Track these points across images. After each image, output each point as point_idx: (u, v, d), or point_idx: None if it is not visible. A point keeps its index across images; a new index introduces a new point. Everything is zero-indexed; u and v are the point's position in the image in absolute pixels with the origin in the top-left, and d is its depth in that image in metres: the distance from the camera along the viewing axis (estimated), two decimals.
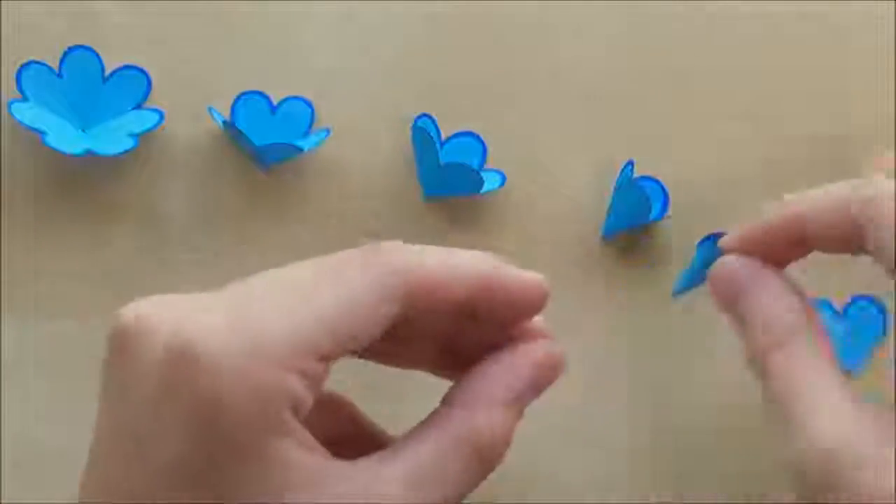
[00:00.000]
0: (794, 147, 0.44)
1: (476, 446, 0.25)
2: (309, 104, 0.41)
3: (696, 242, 0.34)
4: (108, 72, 0.39)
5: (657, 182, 0.42)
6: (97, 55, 0.39)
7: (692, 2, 0.44)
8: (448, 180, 0.40)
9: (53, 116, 0.38)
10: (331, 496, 0.23)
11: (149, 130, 0.39)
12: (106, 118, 0.39)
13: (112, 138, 0.38)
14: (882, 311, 0.42)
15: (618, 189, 0.42)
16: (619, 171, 0.42)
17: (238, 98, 0.40)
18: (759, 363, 0.28)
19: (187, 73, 0.40)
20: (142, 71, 0.39)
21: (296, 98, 0.41)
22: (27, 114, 0.38)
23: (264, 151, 0.39)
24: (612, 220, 0.42)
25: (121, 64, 0.39)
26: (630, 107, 0.43)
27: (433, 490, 0.24)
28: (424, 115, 0.41)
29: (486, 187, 0.40)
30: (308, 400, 0.23)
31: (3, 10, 0.39)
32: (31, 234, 0.39)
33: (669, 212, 0.42)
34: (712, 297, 0.30)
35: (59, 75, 0.39)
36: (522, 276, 0.27)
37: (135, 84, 0.39)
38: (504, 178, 0.41)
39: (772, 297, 0.28)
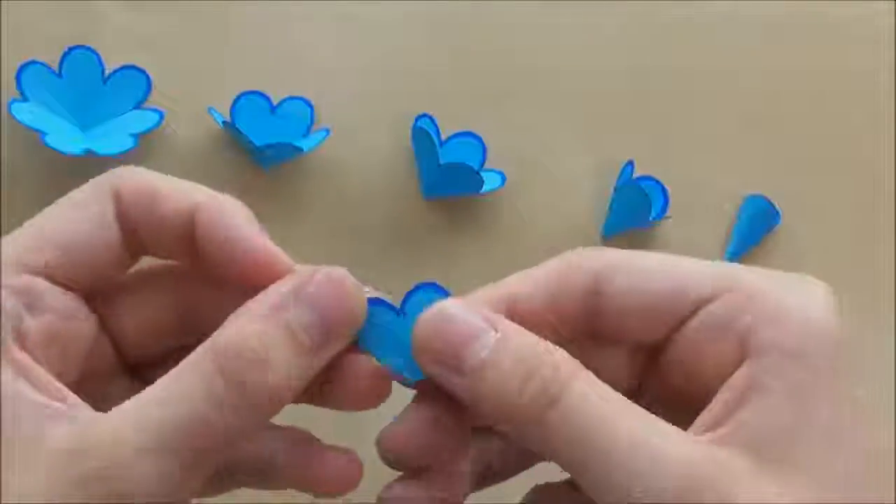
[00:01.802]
0: (794, 147, 0.44)
1: (216, 356, 0.22)
2: (309, 104, 0.41)
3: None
4: (108, 72, 0.39)
5: (657, 182, 0.42)
6: (97, 55, 0.39)
7: (692, 2, 0.44)
8: (448, 180, 0.40)
9: (53, 116, 0.38)
10: (49, 439, 0.21)
11: (149, 130, 0.39)
12: (106, 118, 0.39)
13: (112, 138, 0.38)
14: None
15: (618, 189, 0.42)
16: (619, 171, 0.42)
17: (238, 98, 0.40)
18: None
19: (187, 73, 0.40)
20: (142, 71, 0.39)
21: (296, 98, 0.41)
22: (27, 114, 0.37)
23: (264, 151, 0.39)
24: (612, 220, 0.42)
25: (121, 64, 0.39)
26: (630, 107, 0.43)
27: (170, 410, 0.22)
28: (424, 115, 0.41)
29: (486, 187, 0.40)
30: (23, 318, 0.23)
31: (3, 10, 0.39)
32: None
33: (669, 212, 0.42)
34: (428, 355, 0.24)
35: (59, 75, 0.39)
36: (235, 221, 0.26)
37: (135, 84, 0.39)
38: (504, 178, 0.41)
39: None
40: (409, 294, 0.26)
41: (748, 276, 0.25)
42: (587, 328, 0.26)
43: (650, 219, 0.41)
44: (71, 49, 0.39)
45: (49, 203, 0.39)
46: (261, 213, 0.41)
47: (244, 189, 0.40)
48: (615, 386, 0.25)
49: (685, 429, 0.23)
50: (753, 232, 0.43)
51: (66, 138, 0.38)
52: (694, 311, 0.25)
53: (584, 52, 0.43)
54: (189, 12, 0.41)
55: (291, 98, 0.41)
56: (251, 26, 0.41)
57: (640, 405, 0.25)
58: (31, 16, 0.40)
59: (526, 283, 0.26)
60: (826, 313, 0.24)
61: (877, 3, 0.45)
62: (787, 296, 0.24)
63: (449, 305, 0.24)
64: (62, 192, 0.40)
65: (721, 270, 0.25)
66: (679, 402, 0.25)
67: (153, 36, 0.40)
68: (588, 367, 0.25)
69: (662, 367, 0.26)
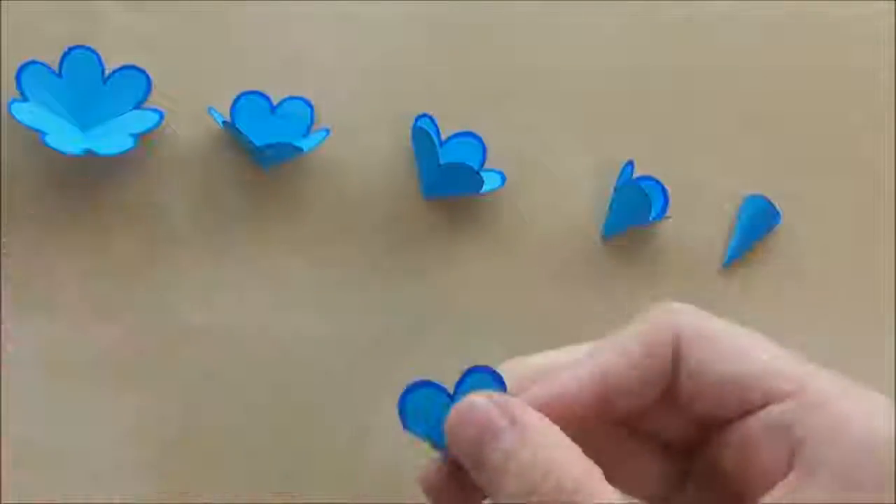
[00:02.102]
0: (794, 147, 0.44)
1: None
2: (309, 104, 0.41)
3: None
4: (108, 72, 0.39)
5: (657, 182, 0.42)
6: (97, 55, 0.39)
7: (692, 2, 0.44)
8: (448, 180, 0.40)
9: (53, 116, 0.38)
10: None
11: (149, 130, 0.39)
12: (106, 118, 0.39)
13: (112, 138, 0.38)
14: None
15: (618, 189, 0.42)
16: (619, 171, 0.42)
17: (238, 98, 0.40)
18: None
19: (187, 73, 0.40)
20: (142, 71, 0.39)
21: (296, 98, 0.41)
22: (27, 114, 0.37)
23: (264, 151, 0.39)
24: (612, 220, 0.42)
25: (121, 64, 0.39)
26: (630, 107, 0.43)
27: None
28: (424, 115, 0.41)
29: (486, 187, 0.40)
30: None
31: (3, 10, 0.39)
32: (30, 234, 0.39)
33: (669, 212, 0.42)
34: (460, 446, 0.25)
35: (59, 75, 0.39)
36: None
37: (135, 84, 0.39)
38: (504, 178, 0.41)
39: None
40: (461, 379, 0.27)
41: (818, 382, 0.24)
42: (660, 392, 0.26)
43: (650, 219, 0.41)
44: (71, 49, 0.39)
45: (49, 203, 0.39)
46: (261, 212, 0.41)
47: (244, 189, 0.40)
48: (666, 458, 0.27)
49: None
50: (753, 232, 0.43)
51: (66, 138, 0.38)
52: (758, 408, 0.25)
53: (584, 52, 0.43)
54: (189, 12, 0.41)
55: (291, 98, 0.41)
56: (251, 26, 0.41)
57: (689, 484, 0.26)
58: (31, 16, 0.39)
59: (611, 362, 0.26)
60: (887, 438, 0.23)
61: (877, 3, 0.45)
62: (852, 414, 0.23)
63: (476, 400, 0.25)
64: (62, 192, 0.40)
65: (794, 370, 0.25)
66: (724, 488, 0.26)
67: (153, 36, 0.40)
68: (644, 429, 0.27)
69: (717, 448, 0.26)
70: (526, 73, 0.43)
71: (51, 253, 0.39)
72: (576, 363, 0.26)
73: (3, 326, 0.38)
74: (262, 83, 0.40)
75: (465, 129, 0.41)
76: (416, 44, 0.42)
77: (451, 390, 0.26)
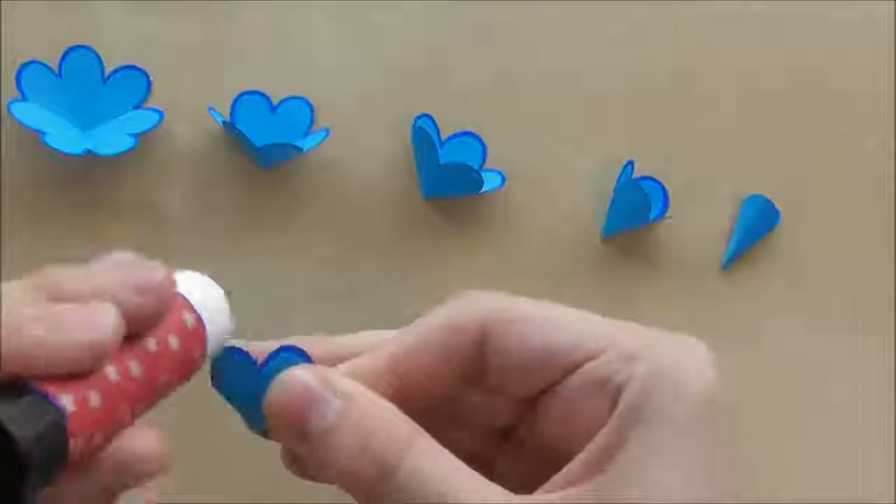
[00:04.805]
0: (794, 147, 0.44)
1: None
2: (309, 104, 0.41)
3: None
4: (108, 72, 0.39)
5: (657, 182, 0.42)
6: (97, 55, 0.39)
7: (693, 2, 0.44)
8: (448, 180, 0.40)
9: (53, 116, 0.38)
10: None
11: (149, 130, 0.39)
12: (106, 118, 0.39)
13: (112, 138, 0.38)
14: None
15: (618, 189, 0.42)
16: (619, 171, 0.42)
17: (238, 98, 0.40)
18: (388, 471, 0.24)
19: (187, 73, 0.40)
20: (142, 71, 0.39)
21: (296, 98, 0.41)
22: (27, 114, 0.37)
23: (264, 151, 0.39)
24: (612, 220, 0.42)
25: (121, 64, 0.39)
26: (630, 107, 0.43)
27: None
28: (424, 115, 0.41)
29: (486, 187, 0.40)
30: None
31: (2, 10, 0.39)
32: (30, 234, 0.39)
33: (669, 212, 0.42)
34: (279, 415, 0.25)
35: (59, 75, 0.39)
36: None
37: (135, 84, 0.39)
38: (504, 178, 0.41)
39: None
40: (272, 354, 0.27)
41: (627, 336, 0.25)
42: (468, 379, 0.26)
43: (650, 219, 0.41)
44: (71, 49, 0.39)
45: (49, 203, 0.39)
46: (261, 212, 0.41)
47: (244, 189, 0.40)
48: (490, 426, 0.27)
49: (546, 478, 0.24)
50: (753, 232, 0.43)
51: (66, 138, 0.38)
52: (572, 370, 0.25)
53: (585, 53, 0.43)
54: (189, 12, 0.41)
55: (291, 98, 0.41)
56: (251, 26, 0.41)
57: (513, 445, 0.26)
58: (31, 16, 0.39)
59: (409, 343, 0.26)
60: (699, 377, 0.24)
61: (877, 3, 0.45)
62: (663, 359, 0.24)
63: (299, 373, 0.25)
64: (62, 192, 0.40)
65: (602, 330, 0.25)
66: (550, 450, 0.26)
67: (153, 36, 0.40)
68: (464, 407, 0.26)
69: (539, 414, 0.26)
70: (526, 74, 0.43)
71: (50, 252, 0.39)
72: (376, 347, 0.26)
73: None
74: (262, 83, 0.40)
75: (465, 129, 0.41)
76: (416, 44, 0.42)
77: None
